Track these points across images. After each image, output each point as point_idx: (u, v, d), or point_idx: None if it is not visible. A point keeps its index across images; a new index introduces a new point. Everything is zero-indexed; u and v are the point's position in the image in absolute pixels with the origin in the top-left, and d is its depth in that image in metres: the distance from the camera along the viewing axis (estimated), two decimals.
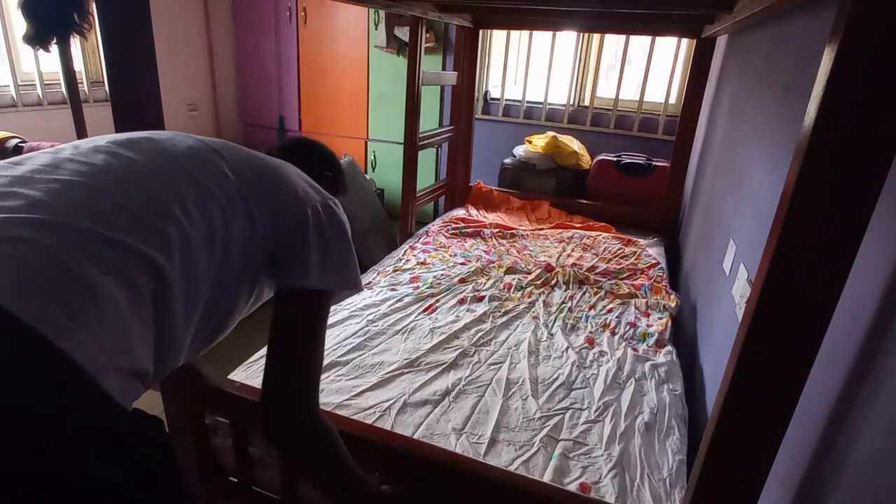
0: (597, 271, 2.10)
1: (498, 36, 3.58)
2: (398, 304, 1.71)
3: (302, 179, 0.81)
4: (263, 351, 1.38)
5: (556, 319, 1.71)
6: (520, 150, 3.12)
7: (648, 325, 1.70)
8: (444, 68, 3.56)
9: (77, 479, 0.48)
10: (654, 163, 2.90)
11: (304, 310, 0.76)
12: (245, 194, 0.71)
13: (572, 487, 1.06)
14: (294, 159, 0.90)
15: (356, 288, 0.80)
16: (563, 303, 1.82)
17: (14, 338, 0.47)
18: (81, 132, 1.79)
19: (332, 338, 1.49)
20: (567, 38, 3.39)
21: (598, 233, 2.54)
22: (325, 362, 1.31)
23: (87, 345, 0.50)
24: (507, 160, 3.14)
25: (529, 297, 1.85)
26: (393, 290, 1.83)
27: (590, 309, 1.80)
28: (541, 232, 2.58)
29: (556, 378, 1.40)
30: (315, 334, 0.77)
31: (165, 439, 0.58)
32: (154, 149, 0.69)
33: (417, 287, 1.85)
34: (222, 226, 0.68)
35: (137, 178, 0.64)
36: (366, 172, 3.89)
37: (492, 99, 3.68)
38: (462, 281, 1.93)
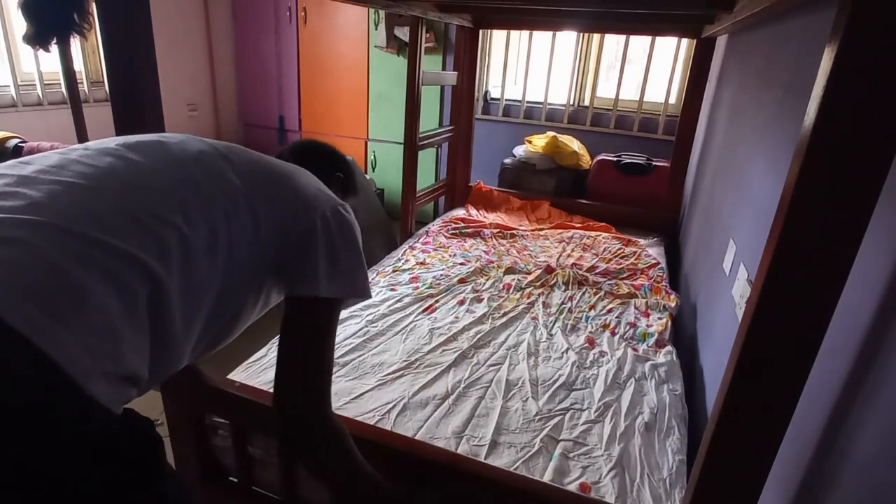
0: (597, 271, 2.10)
1: (498, 36, 3.58)
2: (398, 305, 1.71)
3: (312, 185, 0.80)
4: (263, 351, 1.38)
5: (556, 320, 1.71)
6: (520, 150, 3.12)
7: (648, 325, 1.70)
8: (444, 68, 3.56)
9: (59, 481, 0.47)
10: (654, 163, 2.90)
11: (312, 318, 0.76)
12: (251, 200, 0.71)
13: (572, 487, 1.06)
14: (305, 162, 0.90)
15: (364, 296, 0.80)
16: (562, 303, 1.82)
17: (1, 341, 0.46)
18: (81, 132, 1.79)
19: None
20: (567, 38, 3.39)
21: (598, 233, 2.54)
22: None
23: (72, 349, 0.49)
24: (507, 160, 3.14)
25: (529, 297, 1.85)
26: (392, 290, 1.83)
27: (590, 309, 1.80)
28: (541, 232, 2.58)
29: (557, 379, 1.39)
30: (325, 342, 0.76)
31: (152, 442, 0.57)
32: (161, 153, 0.69)
33: (417, 287, 1.85)
34: (226, 232, 0.67)
35: (140, 182, 0.64)
36: (366, 172, 3.89)
37: (492, 99, 3.68)
38: (461, 281, 1.93)
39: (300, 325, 0.76)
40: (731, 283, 1.28)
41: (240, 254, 0.70)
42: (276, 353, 1.35)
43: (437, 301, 1.76)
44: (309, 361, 0.75)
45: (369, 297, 0.81)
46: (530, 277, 1.98)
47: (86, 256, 0.54)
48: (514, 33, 3.50)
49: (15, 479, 0.45)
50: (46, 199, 0.56)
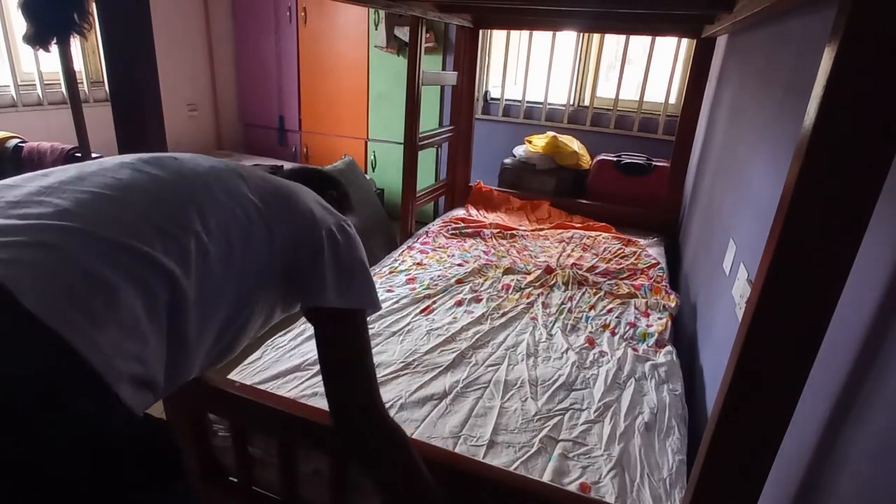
0: (597, 271, 2.10)
1: (498, 36, 3.58)
2: (395, 306, 1.71)
3: (315, 202, 0.83)
4: (258, 353, 1.38)
5: (555, 320, 1.70)
6: (520, 150, 3.12)
7: (648, 325, 1.70)
8: (444, 68, 3.56)
9: (79, 481, 0.48)
10: (654, 163, 2.90)
11: (342, 332, 0.79)
12: (266, 216, 0.73)
13: (572, 488, 1.06)
14: (300, 180, 0.91)
15: (373, 307, 0.82)
16: (562, 303, 1.82)
17: (35, 340, 0.47)
18: (81, 132, 1.79)
19: None
20: (567, 38, 3.39)
21: (598, 233, 2.54)
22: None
23: (106, 350, 0.50)
24: (507, 160, 3.14)
25: (528, 297, 1.85)
26: (389, 291, 1.82)
27: (590, 309, 1.80)
28: (541, 232, 2.58)
29: (556, 379, 1.39)
30: (362, 350, 0.80)
31: (173, 443, 0.58)
32: (178, 166, 0.71)
33: (414, 289, 1.84)
34: (241, 244, 0.69)
35: (161, 193, 0.66)
36: (366, 172, 3.89)
37: (492, 99, 3.68)
38: (459, 282, 1.92)
39: (332, 339, 0.79)
40: (731, 283, 1.28)
41: (253, 266, 0.71)
42: (272, 356, 1.37)
43: (434, 302, 1.76)
44: (353, 374, 0.78)
45: (379, 308, 0.83)
46: (530, 278, 1.98)
47: (114, 260, 0.55)
48: (514, 33, 3.49)
49: (36, 476, 0.46)
50: (74, 206, 0.57)
